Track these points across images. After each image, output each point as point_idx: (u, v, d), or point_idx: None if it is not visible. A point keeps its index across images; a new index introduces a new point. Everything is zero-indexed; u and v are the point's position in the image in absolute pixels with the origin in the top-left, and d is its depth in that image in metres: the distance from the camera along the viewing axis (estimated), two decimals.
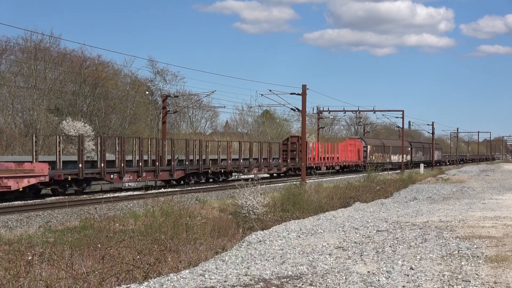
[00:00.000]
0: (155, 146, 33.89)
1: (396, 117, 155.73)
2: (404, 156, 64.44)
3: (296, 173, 44.35)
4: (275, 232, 13.77)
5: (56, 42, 50.84)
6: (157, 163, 31.38)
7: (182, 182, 33.89)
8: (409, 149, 71.62)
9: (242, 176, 37.95)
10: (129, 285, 8.30)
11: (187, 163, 33.67)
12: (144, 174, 30.49)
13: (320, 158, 49.63)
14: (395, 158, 67.10)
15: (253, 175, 33.82)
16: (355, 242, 12.01)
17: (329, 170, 50.40)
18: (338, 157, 53.22)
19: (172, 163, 32.54)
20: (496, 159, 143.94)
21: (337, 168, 53.86)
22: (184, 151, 34.33)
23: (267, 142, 45.84)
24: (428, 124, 78.22)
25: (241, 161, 38.95)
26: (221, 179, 37.24)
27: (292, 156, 45.38)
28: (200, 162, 34.82)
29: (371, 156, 59.33)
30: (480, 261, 9.78)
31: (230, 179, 38.44)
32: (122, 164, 28.68)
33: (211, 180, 36.68)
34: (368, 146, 59.96)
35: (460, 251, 10.73)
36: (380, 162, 57.80)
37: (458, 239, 12.27)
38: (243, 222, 18.43)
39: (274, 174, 44.63)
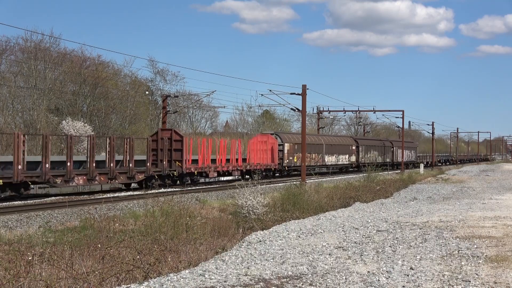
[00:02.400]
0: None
1: (396, 117, 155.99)
2: (347, 156, 55.77)
3: (165, 183, 31.11)
4: (275, 232, 13.77)
5: (56, 42, 50.91)
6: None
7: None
8: (353, 147, 57.57)
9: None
10: (129, 285, 8.30)
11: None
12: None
13: (218, 160, 35.87)
14: (331, 160, 52.94)
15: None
16: (355, 242, 12.01)
17: (221, 176, 37.97)
18: (247, 159, 39.63)
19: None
20: (491, 159, 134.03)
21: (237, 174, 37.67)
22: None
23: (126, 137, 31.17)
24: (428, 124, 78.29)
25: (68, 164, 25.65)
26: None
27: (161, 157, 31.75)
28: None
29: (290, 157, 45.36)
30: (480, 261, 9.78)
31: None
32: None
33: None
34: (286, 144, 45.16)
35: (460, 251, 10.73)
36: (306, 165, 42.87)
37: (458, 239, 12.27)
38: (243, 222, 18.42)
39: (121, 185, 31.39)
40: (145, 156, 31.41)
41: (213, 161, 36.33)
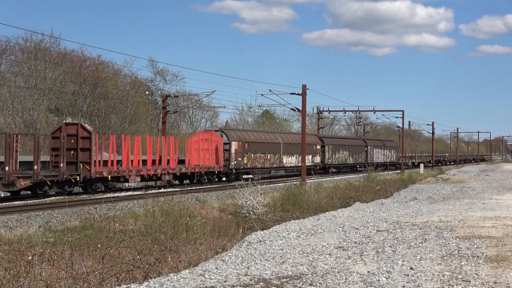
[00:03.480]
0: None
1: (396, 117, 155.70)
2: (311, 157, 48.43)
3: (64, 190, 25.95)
4: (275, 232, 13.77)
5: (56, 42, 50.92)
6: None
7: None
8: (317, 147, 50.33)
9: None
10: (129, 285, 8.30)
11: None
12: None
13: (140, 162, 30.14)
14: (291, 161, 46.00)
15: None
16: (355, 242, 12.01)
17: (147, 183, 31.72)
18: (186, 160, 34.22)
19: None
20: (487, 160, 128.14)
21: (168, 179, 31.50)
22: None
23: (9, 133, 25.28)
24: (428, 124, 78.29)
25: None
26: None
27: (69, 158, 26.22)
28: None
29: (239, 158, 38.41)
30: (480, 261, 9.78)
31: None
32: None
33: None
34: (233, 143, 38.15)
35: (460, 251, 10.73)
36: (257, 167, 40.49)
37: (458, 239, 12.27)
38: (243, 222, 18.43)
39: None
40: (45, 157, 26.26)
41: (149, 162, 31.09)
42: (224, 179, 38.76)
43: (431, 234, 12.99)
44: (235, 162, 38.27)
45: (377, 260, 9.95)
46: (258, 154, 41.06)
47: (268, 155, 42.65)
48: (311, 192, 25.39)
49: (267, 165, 42.55)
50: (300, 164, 42.55)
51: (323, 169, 51.71)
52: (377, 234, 13.23)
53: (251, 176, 36.49)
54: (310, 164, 48.15)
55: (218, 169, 36.45)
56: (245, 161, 39.22)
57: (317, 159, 50.35)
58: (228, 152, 37.68)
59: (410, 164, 74.68)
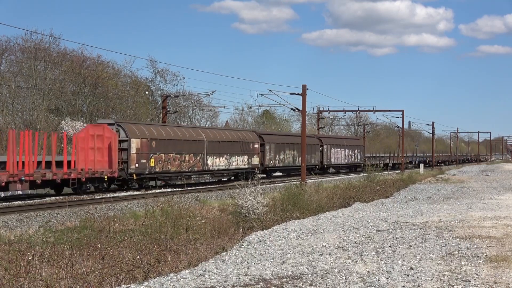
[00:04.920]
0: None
1: (396, 117, 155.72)
2: (246, 158, 39.66)
3: None
4: (275, 232, 13.77)
5: (56, 42, 50.92)
6: None
7: None
8: (255, 145, 40.93)
9: None
10: (129, 285, 8.30)
11: None
12: None
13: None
14: (220, 163, 36.94)
15: None
16: (355, 242, 12.01)
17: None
18: (74, 162, 26.92)
19: None
20: (483, 160, 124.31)
21: (18, 188, 23.71)
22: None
23: None
24: (428, 124, 78.25)
25: None
26: None
27: None
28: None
29: (143, 160, 29.88)
30: (480, 261, 9.78)
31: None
32: None
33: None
34: (133, 140, 29.49)
35: (460, 251, 10.73)
36: (170, 171, 32.26)
37: (458, 239, 12.27)
38: (243, 222, 18.42)
39: None
40: None
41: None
42: (125, 187, 30.41)
43: (431, 234, 12.98)
44: (137, 165, 29.44)
45: (377, 260, 9.95)
46: (172, 155, 32.14)
47: (187, 156, 33.50)
48: (311, 192, 25.38)
49: (185, 169, 33.46)
50: (231, 167, 37.90)
51: (264, 172, 42.88)
52: (377, 234, 13.23)
53: (163, 182, 32.05)
54: (245, 166, 39.37)
55: (109, 174, 28.00)
56: (153, 164, 30.53)
57: (255, 160, 40.76)
58: (127, 152, 29.12)
59: (390, 165, 67.49)
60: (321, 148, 51.96)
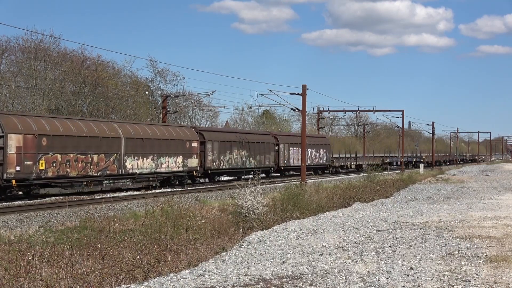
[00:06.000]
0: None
1: (396, 117, 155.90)
2: (182, 159, 33.14)
3: None
4: (275, 232, 13.77)
5: (56, 42, 50.87)
6: None
7: None
8: (193, 144, 34.31)
9: None
10: (129, 285, 8.30)
11: None
12: None
13: None
14: (144, 165, 30.39)
15: None
16: (355, 242, 12.01)
17: None
18: None
19: None
20: (480, 160, 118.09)
21: None
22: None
23: None
24: (428, 124, 78.21)
25: None
26: None
27: None
28: None
29: (27, 162, 23.79)
30: (480, 261, 9.78)
31: None
32: None
33: None
34: (12, 136, 23.56)
35: (460, 251, 10.73)
36: (70, 176, 25.91)
37: (458, 239, 12.27)
38: (243, 222, 18.42)
39: None
40: None
41: None
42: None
43: (431, 234, 12.98)
44: (19, 169, 23.49)
45: (377, 260, 9.94)
46: (72, 155, 26.00)
47: (95, 157, 27.21)
48: (311, 192, 25.38)
49: (92, 173, 27.10)
50: (160, 170, 31.44)
51: (205, 175, 37.12)
52: (377, 234, 13.23)
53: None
54: (180, 169, 33.17)
55: None
56: (43, 167, 24.53)
57: (194, 162, 34.24)
58: (2, 151, 23.07)
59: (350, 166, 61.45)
60: (276, 148, 44.76)
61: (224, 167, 38.10)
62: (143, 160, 30.43)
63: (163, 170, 31.92)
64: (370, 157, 66.13)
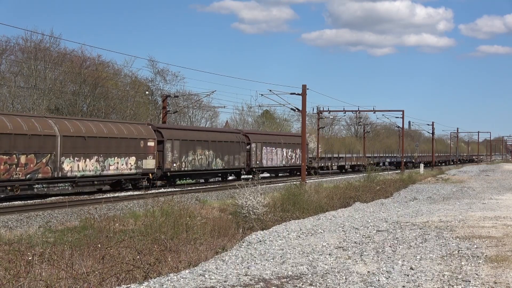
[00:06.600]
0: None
1: (396, 117, 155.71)
2: (135, 160, 29.68)
3: None
4: (275, 232, 13.77)
5: (56, 42, 50.87)
6: None
7: None
8: (149, 143, 30.92)
9: None
10: (129, 285, 8.30)
11: None
12: None
13: None
14: (87, 166, 26.92)
15: None
16: (355, 242, 12.01)
17: None
18: None
19: None
20: (478, 161, 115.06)
21: None
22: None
23: None
24: (428, 124, 78.18)
25: None
26: None
27: None
28: None
29: None
30: (480, 261, 9.78)
31: None
32: None
33: None
34: None
35: (460, 251, 10.73)
36: None
37: (458, 239, 12.27)
38: (243, 222, 18.42)
39: None
40: None
41: None
42: None
43: (431, 234, 12.98)
44: None
45: (377, 260, 9.95)
46: None
47: (22, 158, 23.82)
48: (311, 192, 25.38)
49: (19, 176, 23.67)
50: (106, 172, 27.89)
51: (163, 178, 33.21)
52: (377, 234, 13.23)
53: None
54: (132, 171, 29.61)
55: None
56: None
57: (148, 163, 30.66)
58: None
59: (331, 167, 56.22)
60: (248, 147, 40.94)
61: (186, 168, 34.37)
62: (85, 162, 26.90)
63: (111, 172, 28.39)
64: (354, 157, 62.49)
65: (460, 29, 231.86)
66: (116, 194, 26.88)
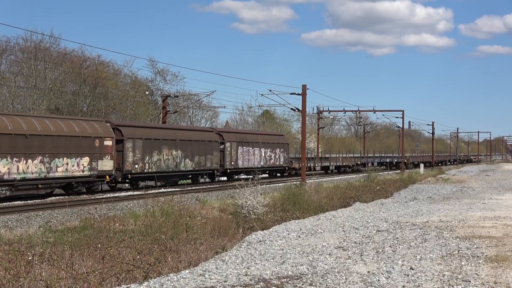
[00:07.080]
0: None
1: (396, 117, 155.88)
2: (88, 161, 26.81)
3: None
4: (275, 232, 13.77)
5: (56, 42, 50.87)
6: None
7: None
8: (106, 142, 28.25)
9: None
10: (129, 285, 8.30)
11: None
12: None
13: None
14: (31, 170, 24.03)
15: None
16: (355, 242, 12.01)
17: None
18: None
19: None
20: (475, 161, 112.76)
21: None
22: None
23: None
24: (428, 124, 78.18)
25: None
26: None
27: None
28: None
29: None
30: (480, 261, 9.78)
31: None
32: None
33: None
34: None
35: (460, 251, 10.73)
36: None
37: (458, 239, 12.27)
38: (243, 222, 18.42)
39: None
40: None
41: None
42: None
43: (431, 234, 12.98)
44: None
45: (377, 260, 9.94)
46: None
47: None
48: (311, 192, 25.38)
49: None
50: (53, 175, 24.81)
51: (126, 181, 30.78)
52: (377, 234, 13.23)
53: None
54: (86, 173, 26.88)
55: None
56: None
57: (105, 164, 27.89)
58: None
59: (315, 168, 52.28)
60: (221, 147, 38.04)
61: (150, 170, 31.26)
62: (26, 163, 23.82)
63: (59, 174, 25.34)
64: (340, 157, 58.98)
65: (460, 29, 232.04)
66: (116, 194, 26.88)
